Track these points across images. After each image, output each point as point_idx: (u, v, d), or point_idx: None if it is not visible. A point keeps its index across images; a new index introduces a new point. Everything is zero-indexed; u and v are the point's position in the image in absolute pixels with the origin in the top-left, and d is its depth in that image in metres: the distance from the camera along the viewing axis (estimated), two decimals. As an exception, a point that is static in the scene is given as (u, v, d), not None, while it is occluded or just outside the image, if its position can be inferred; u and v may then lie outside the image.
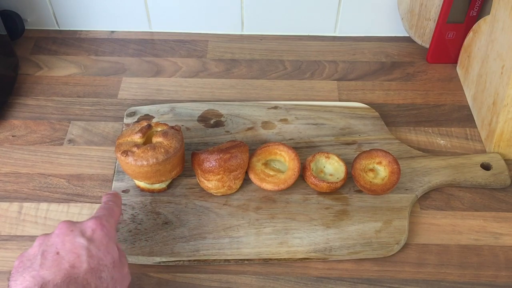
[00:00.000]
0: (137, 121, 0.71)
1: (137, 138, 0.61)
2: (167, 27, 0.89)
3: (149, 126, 0.63)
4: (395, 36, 0.88)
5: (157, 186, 0.63)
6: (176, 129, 0.63)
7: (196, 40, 0.88)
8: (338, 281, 0.57)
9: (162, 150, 0.59)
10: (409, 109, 0.77)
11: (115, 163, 0.68)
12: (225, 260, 0.58)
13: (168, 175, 0.62)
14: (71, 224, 0.49)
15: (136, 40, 0.87)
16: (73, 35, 0.88)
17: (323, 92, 0.79)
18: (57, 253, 0.45)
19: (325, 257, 0.58)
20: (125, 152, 0.59)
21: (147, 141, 0.62)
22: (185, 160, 0.66)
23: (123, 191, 0.64)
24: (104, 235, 0.48)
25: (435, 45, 0.82)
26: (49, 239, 0.47)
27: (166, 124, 0.64)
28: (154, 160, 0.59)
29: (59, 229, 0.48)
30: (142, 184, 0.63)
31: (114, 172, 0.66)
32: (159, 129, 0.63)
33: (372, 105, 0.76)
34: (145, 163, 0.59)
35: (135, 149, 0.59)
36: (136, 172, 0.60)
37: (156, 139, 0.61)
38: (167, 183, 0.64)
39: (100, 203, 0.63)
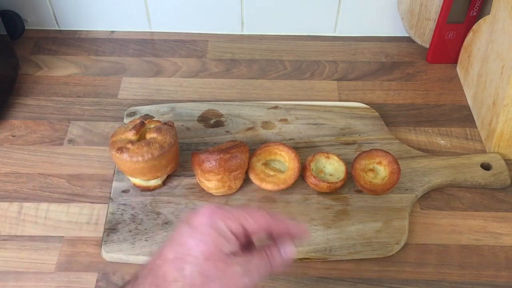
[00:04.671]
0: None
1: (131, 135, 0.61)
2: (167, 27, 0.89)
3: (143, 123, 0.63)
4: (395, 36, 0.88)
5: (152, 182, 0.63)
6: (169, 124, 0.63)
7: (196, 40, 0.88)
8: (338, 281, 0.57)
9: (157, 146, 0.60)
10: (409, 109, 0.77)
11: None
12: (225, 260, 0.58)
13: (163, 170, 0.62)
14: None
15: (136, 40, 0.87)
16: (73, 35, 0.88)
17: (323, 92, 0.79)
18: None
19: (325, 257, 0.58)
20: (120, 149, 0.60)
21: (140, 138, 0.62)
22: (179, 155, 0.66)
23: (123, 191, 0.64)
24: (205, 221, 0.41)
25: (435, 45, 0.82)
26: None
27: (159, 121, 0.64)
28: (149, 155, 0.59)
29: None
30: (137, 181, 0.63)
31: (114, 172, 0.66)
32: (152, 125, 0.63)
33: (372, 105, 0.76)
34: (140, 159, 0.59)
35: (129, 145, 0.60)
36: (132, 169, 0.61)
37: (150, 135, 0.62)
38: (162, 179, 0.64)
39: (100, 202, 0.64)
